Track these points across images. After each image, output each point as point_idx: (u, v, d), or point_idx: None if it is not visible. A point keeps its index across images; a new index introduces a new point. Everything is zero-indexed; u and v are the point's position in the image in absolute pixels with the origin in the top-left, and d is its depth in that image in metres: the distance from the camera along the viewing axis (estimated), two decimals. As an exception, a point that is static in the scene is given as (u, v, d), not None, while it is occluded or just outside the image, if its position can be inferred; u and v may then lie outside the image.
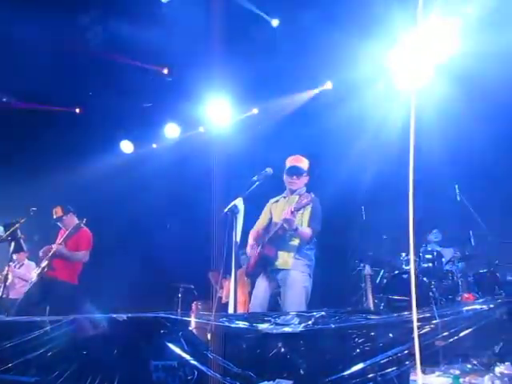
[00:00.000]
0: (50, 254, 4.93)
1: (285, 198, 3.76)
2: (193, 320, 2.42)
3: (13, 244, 4.58)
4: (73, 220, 5.37)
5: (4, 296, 5.90)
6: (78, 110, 7.71)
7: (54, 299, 4.89)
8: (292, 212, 3.27)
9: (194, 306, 6.66)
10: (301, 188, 3.70)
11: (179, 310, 6.72)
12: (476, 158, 5.53)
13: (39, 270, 5.06)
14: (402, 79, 5.56)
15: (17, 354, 2.73)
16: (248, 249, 3.71)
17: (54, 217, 5.37)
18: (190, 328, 4.67)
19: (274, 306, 3.95)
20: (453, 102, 5.10)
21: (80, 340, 2.59)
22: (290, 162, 3.73)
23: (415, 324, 1.59)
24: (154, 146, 8.25)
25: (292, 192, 3.70)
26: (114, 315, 2.61)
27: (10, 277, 6.07)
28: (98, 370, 2.31)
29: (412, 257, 1.76)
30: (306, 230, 3.46)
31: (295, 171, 3.67)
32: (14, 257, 6.31)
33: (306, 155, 3.87)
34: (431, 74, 4.90)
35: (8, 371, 2.71)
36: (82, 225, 5.30)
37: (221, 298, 6.26)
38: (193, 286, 7.18)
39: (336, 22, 5.50)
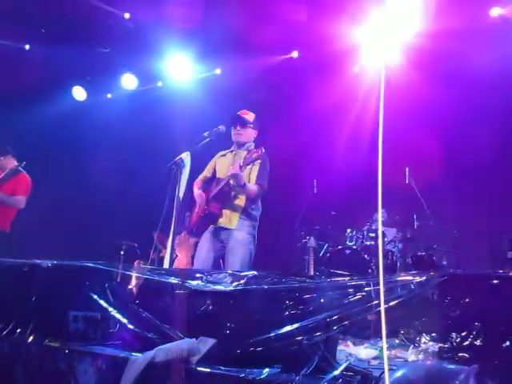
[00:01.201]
0: None
1: (232, 152, 3.64)
2: (121, 271, 2.30)
3: None
4: (11, 162, 5.04)
5: None
6: (27, 47, 7.15)
7: None
8: (240, 167, 3.15)
9: (136, 264, 6.50)
10: (249, 142, 3.58)
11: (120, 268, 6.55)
12: (429, 140, 5.60)
13: None
14: (370, 56, 5.52)
15: None
16: (194, 194, 3.56)
17: None
18: (125, 283, 4.52)
19: (218, 267, 3.89)
20: (417, 82, 5.11)
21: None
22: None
23: (382, 293, 1.53)
24: (109, 95, 7.86)
25: (239, 146, 3.57)
26: (38, 261, 2.44)
27: None
28: (11, 316, 2.15)
29: (380, 228, 1.67)
30: (253, 187, 3.37)
31: (238, 120, 3.54)
32: None
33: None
34: (399, 52, 4.87)
35: None
36: (21, 168, 4.99)
37: (163, 258, 6.15)
38: (136, 245, 7.01)
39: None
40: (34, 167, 5.45)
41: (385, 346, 1.49)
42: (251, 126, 3.58)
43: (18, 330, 2.10)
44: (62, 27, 6.55)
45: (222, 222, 3.40)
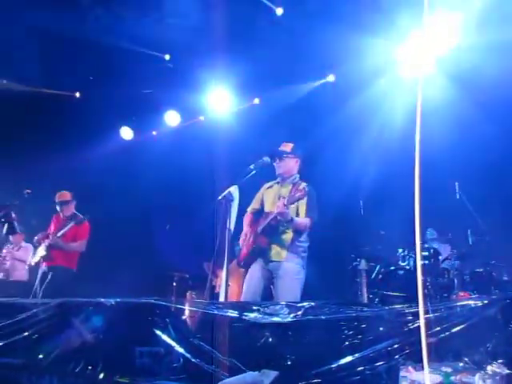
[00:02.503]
0: (46, 245, 4.93)
1: (278, 183, 3.70)
2: (180, 307, 2.38)
3: (6, 226, 4.55)
4: (72, 208, 5.38)
5: (4, 278, 5.93)
6: (77, 95, 7.63)
7: (52, 285, 4.91)
8: (285, 205, 3.22)
9: (188, 295, 6.62)
10: (292, 174, 3.63)
11: (173, 299, 6.69)
12: (478, 155, 5.45)
13: (36, 258, 5.08)
14: (406, 74, 5.50)
15: (3, 336, 2.70)
16: (242, 236, 3.64)
17: (58, 200, 5.36)
18: (183, 317, 4.61)
19: (268, 297, 3.91)
20: (456, 97, 5.04)
21: (66, 324, 2.55)
22: None
23: (422, 320, 1.54)
24: (154, 133, 8.19)
25: (283, 178, 3.64)
26: (102, 299, 2.56)
27: (8, 259, 6.08)
28: (81, 355, 2.27)
29: (418, 249, 1.64)
30: (303, 220, 3.41)
31: (275, 154, 3.61)
32: (11, 239, 6.31)
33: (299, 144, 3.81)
34: (435, 69, 4.84)
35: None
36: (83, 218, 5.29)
37: (215, 287, 6.23)
38: (188, 276, 7.15)
39: (339, 14, 5.42)
40: (86, 205, 5.75)
41: (426, 370, 1.47)
42: (290, 156, 3.62)
43: (89, 367, 2.21)
44: (108, 73, 6.96)
45: (271, 255, 3.46)
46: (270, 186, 3.76)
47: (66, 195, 5.42)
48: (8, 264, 6.39)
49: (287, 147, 3.65)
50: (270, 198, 3.62)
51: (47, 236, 5.13)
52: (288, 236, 3.47)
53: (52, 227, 5.36)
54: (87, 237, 5.29)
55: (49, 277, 4.93)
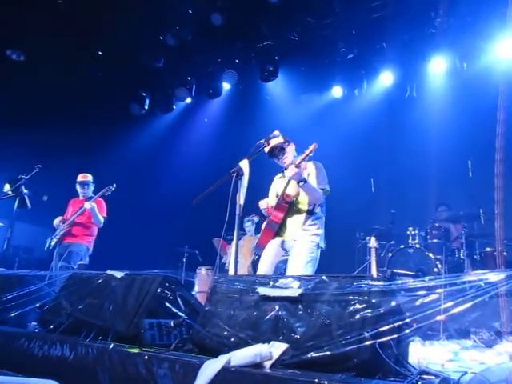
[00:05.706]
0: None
1: (286, 169, 3.61)
2: (190, 279, 2.38)
3: (17, 200, 4.58)
4: (91, 190, 5.48)
5: None
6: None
7: (69, 260, 5.01)
8: (296, 166, 3.19)
9: (203, 271, 6.43)
10: (294, 158, 3.55)
11: (183, 273, 6.76)
12: (491, 132, 5.35)
13: (54, 240, 5.14)
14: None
15: (15, 306, 2.75)
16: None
17: (79, 180, 5.41)
18: (193, 292, 4.63)
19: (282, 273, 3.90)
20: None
21: (76, 295, 2.58)
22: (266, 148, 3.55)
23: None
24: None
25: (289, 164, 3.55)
26: (112, 272, 2.58)
27: None
28: (92, 326, 2.30)
29: None
30: (316, 186, 3.37)
31: (273, 154, 3.54)
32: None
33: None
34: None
35: (6, 322, 2.74)
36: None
37: (225, 264, 6.27)
38: (197, 252, 7.21)
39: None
40: (99, 180, 5.79)
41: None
42: (285, 145, 3.54)
43: (100, 338, 2.24)
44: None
45: (286, 235, 3.44)
46: (281, 177, 3.71)
47: (87, 176, 5.48)
48: None
49: (278, 140, 3.50)
50: (282, 185, 3.53)
51: (65, 220, 5.23)
52: (303, 209, 3.42)
53: (69, 211, 5.42)
54: (106, 213, 5.38)
55: (65, 253, 5.02)
